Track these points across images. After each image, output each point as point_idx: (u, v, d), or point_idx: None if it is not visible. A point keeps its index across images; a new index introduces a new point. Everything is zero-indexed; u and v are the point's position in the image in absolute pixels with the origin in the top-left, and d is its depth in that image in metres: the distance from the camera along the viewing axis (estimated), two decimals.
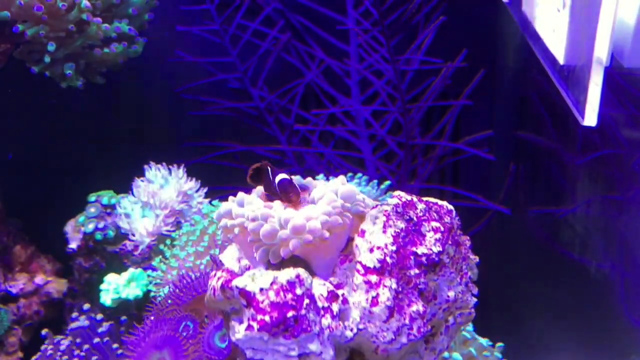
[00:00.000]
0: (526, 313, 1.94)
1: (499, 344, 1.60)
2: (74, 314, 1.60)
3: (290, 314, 0.90)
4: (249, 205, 0.98)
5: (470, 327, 1.58)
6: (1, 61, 1.61)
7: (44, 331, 1.55)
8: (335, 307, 0.95)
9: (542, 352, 1.88)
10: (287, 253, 0.93)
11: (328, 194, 0.97)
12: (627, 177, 1.65)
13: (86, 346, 1.47)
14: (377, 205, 1.01)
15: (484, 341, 1.57)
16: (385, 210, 0.99)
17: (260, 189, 1.03)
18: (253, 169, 1.04)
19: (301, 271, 0.93)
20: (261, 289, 0.91)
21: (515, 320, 1.92)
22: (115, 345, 1.46)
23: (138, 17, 1.70)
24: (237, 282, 0.93)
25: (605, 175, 1.73)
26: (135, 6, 1.68)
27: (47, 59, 1.58)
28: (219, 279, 0.97)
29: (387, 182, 1.63)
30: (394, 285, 0.95)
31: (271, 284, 0.91)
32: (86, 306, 1.61)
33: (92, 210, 1.72)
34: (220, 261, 1.05)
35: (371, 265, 0.96)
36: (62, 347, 1.48)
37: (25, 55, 1.61)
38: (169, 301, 1.22)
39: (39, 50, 1.58)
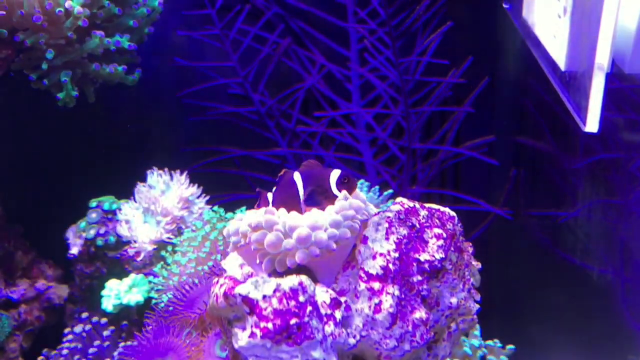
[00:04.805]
0: (527, 317, 1.94)
1: (510, 346, 1.61)
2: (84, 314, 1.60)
3: (293, 321, 0.90)
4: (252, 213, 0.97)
5: (477, 331, 1.58)
6: (2, 67, 1.61)
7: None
8: (338, 314, 0.95)
9: (543, 355, 1.88)
10: (293, 264, 0.93)
11: (339, 202, 0.97)
12: (627, 181, 1.66)
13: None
14: (379, 212, 1.01)
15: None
16: (388, 217, 0.99)
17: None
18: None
19: (304, 278, 0.93)
20: (264, 296, 0.91)
21: (516, 324, 1.92)
22: (115, 353, 1.46)
23: (138, 30, 1.70)
24: (240, 289, 0.92)
25: (605, 179, 1.73)
26: (137, 18, 1.68)
27: (45, 66, 1.58)
28: (221, 286, 0.97)
29: (390, 191, 1.63)
30: (397, 292, 0.95)
31: (274, 291, 0.91)
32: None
33: (94, 215, 1.71)
34: (222, 268, 1.06)
35: (374, 272, 0.96)
36: (65, 352, 1.49)
37: (25, 62, 1.61)
38: (171, 308, 1.22)
39: (39, 57, 1.59)
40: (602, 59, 1.03)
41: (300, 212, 0.98)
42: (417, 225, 1.00)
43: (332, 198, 0.98)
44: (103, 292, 1.63)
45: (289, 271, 0.95)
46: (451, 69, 1.83)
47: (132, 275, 1.63)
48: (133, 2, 1.69)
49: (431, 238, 1.00)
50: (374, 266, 0.96)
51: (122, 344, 1.54)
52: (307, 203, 0.98)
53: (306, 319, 0.91)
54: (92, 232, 1.69)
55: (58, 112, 1.73)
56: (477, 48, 1.86)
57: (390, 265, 0.96)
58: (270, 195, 1.01)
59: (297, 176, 1.00)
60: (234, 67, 1.93)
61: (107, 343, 1.53)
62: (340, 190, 0.98)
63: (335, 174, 0.99)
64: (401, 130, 1.90)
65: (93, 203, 1.74)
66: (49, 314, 1.79)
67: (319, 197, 0.98)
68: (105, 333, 1.57)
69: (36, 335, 1.78)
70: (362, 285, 0.96)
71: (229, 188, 1.92)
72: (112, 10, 1.62)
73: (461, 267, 1.03)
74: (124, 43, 1.64)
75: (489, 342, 1.59)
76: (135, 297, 1.60)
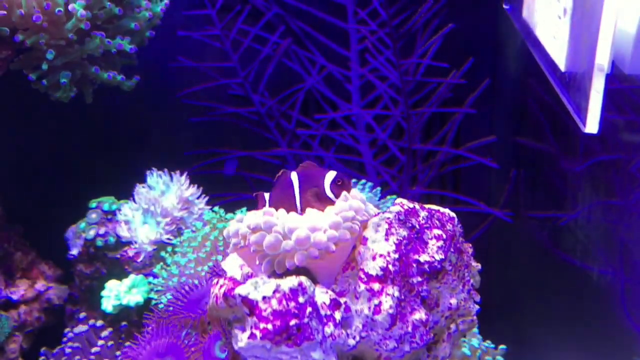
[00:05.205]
0: (528, 318, 1.94)
1: (502, 346, 1.60)
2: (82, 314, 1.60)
3: (293, 322, 0.90)
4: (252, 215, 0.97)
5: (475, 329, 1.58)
6: (2, 68, 1.61)
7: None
8: (337, 315, 0.95)
9: (543, 355, 1.88)
10: (292, 265, 0.93)
11: (339, 203, 0.97)
12: (627, 182, 1.66)
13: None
14: (379, 213, 1.01)
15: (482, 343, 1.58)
16: (388, 218, 0.99)
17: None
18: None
19: (304, 279, 0.93)
20: (264, 297, 0.91)
21: (517, 325, 1.92)
22: (118, 352, 1.46)
23: (139, 33, 1.70)
24: (240, 290, 0.92)
25: (605, 180, 1.73)
26: (138, 21, 1.68)
27: (45, 66, 1.58)
28: (221, 287, 0.97)
29: (393, 196, 1.63)
30: (397, 293, 0.95)
31: (274, 292, 0.91)
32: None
33: (93, 216, 1.71)
34: (222, 269, 1.05)
35: (374, 273, 0.96)
36: (67, 351, 1.49)
37: (24, 63, 1.61)
38: (170, 309, 1.22)
39: (38, 57, 1.58)
40: (602, 59, 1.03)
41: (296, 212, 0.98)
42: (417, 226, 1.00)
43: (326, 199, 0.98)
44: (103, 293, 1.63)
45: (288, 272, 0.95)
46: (452, 70, 1.83)
47: (132, 276, 1.63)
48: (135, 5, 1.69)
49: (431, 239, 1.00)
50: (374, 267, 0.96)
51: (125, 344, 1.54)
52: (301, 203, 0.98)
53: (306, 319, 0.91)
54: (92, 233, 1.69)
55: (58, 112, 1.73)
56: (477, 49, 1.86)
57: (390, 266, 0.96)
58: (267, 195, 1.01)
59: (294, 176, 1.00)
60: (234, 67, 1.93)
61: (110, 342, 1.53)
62: (333, 192, 0.97)
63: (330, 175, 0.99)
64: (401, 131, 1.90)
65: (93, 204, 1.74)
66: (48, 315, 1.79)
67: (312, 197, 0.98)
68: (104, 334, 1.57)
69: (36, 336, 1.78)
70: (362, 286, 0.96)
71: (229, 188, 1.92)
72: (113, 10, 1.61)
73: (461, 268, 1.03)
74: (125, 46, 1.64)
75: (483, 342, 1.59)
76: (134, 298, 1.60)
